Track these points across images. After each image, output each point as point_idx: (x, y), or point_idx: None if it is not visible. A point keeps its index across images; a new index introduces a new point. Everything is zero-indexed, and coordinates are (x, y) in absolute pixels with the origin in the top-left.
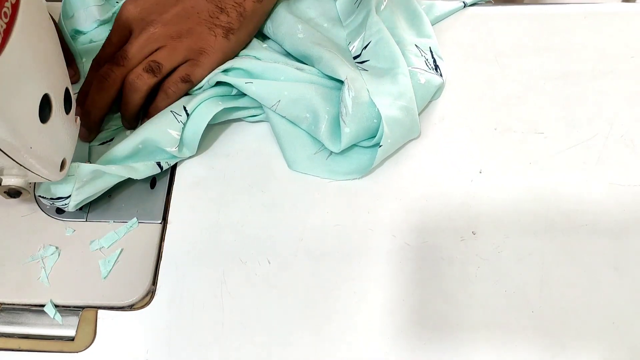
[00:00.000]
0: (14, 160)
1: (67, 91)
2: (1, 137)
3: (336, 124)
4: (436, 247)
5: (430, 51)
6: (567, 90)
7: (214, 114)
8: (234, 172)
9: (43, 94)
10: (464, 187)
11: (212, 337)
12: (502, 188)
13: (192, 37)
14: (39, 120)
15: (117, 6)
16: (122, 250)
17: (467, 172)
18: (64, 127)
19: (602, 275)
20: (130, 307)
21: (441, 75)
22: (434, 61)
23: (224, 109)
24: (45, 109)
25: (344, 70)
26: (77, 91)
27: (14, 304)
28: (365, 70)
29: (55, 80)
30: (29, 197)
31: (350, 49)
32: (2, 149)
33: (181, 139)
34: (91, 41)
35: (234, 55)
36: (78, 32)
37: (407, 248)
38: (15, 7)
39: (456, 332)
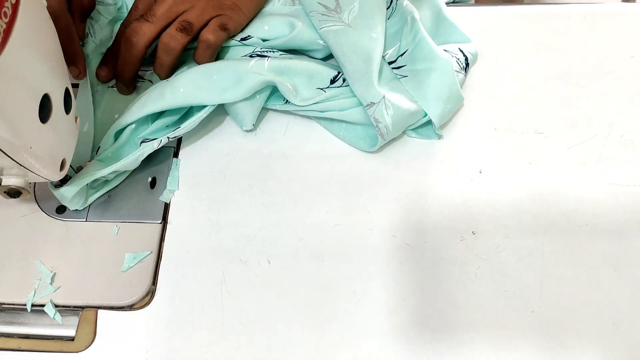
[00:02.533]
0: (14, 160)
1: (67, 91)
2: (1, 137)
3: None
4: (436, 247)
5: (461, 51)
6: (567, 90)
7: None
8: (234, 172)
9: (43, 94)
10: (464, 187)
11: (212, 337)
12: (502, 188)
13: None
14: (39, 120)
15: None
16: (151, 252)
17: (467, 172)
18: (64, 127)
19: (602, 275)
20: (130, 307)
21: (466, 70)
22: (466, 59)
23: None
24: (45, 109)
25: (375, 93)
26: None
27: (14, 304)
28: (404, 76)
29: (55, 80)
30: (29, 197)
31: (384, 55)
32: (2, 149)
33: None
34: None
35: (255, 13)
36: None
37: (407, 248)
38: (15, 7)
39: (456, 332)
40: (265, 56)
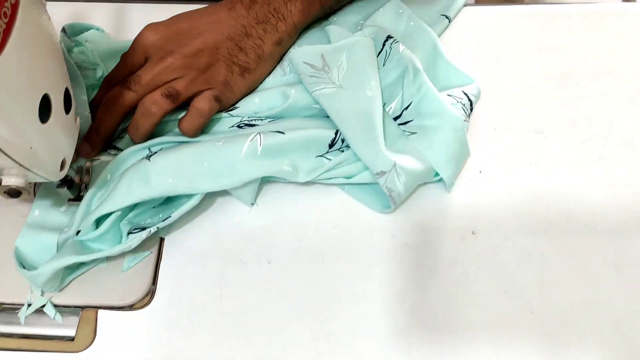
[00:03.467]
0: (14, 160)
1: (67, 91)
2: (1, 137)
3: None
4: (436, 247)
5: (465, 94)
6: (567, 90)
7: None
8: None
9: (43, 94)
10: (464, 187)
11: (212, 337)
12: (502, 188)
13: (211, 72)
14: (39, 120)
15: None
16: (151, 252)
17: (467, 172)
18: (64, 127)
19: (602, 275)
20: (130, 307)
21: (469, 116)
22: (471, 103)
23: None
24: (45, 109)
25: (385, 161)
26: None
27: (14, 304)
28: (412, 132)
29: (55, 80)
30: (29, 197)
31: (387, 110)
32: (2, 149)
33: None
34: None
35: (247, 93)
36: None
37: (407, 248)
38: (15, 7)
39: (456, 332)
40: (254, 125)
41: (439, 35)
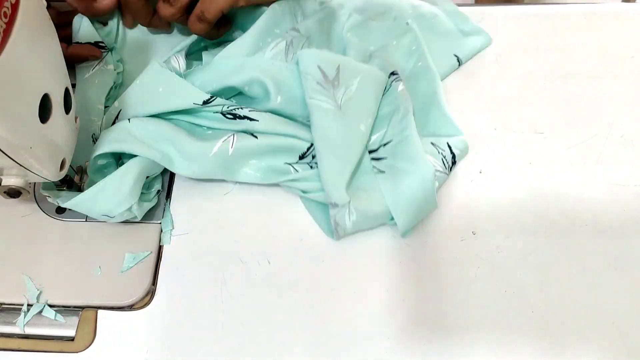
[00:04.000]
0: (14, 160)
1: (67, 91)
2: (1, 137)
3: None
4: (436, 247)
5: (449, 147)
6: (567, 90)
7: None
8: None
9: (43, 94)
10: (464, 187)
11: (212, 337)
12: (502, 188)
13: None
14: (39, 120)
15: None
16: (151, 252)
17: (467, 172)
18: (64, 127)
19: (602, 275)
20: (130, 307)
21: (451, 169)
22: (453, 157)
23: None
24: (45, 109)
25: (341, 196)
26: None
27: (13, 304)
28: (382, 171)
29: (55, 80)
30: (29, 197)
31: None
32: (2, 149)
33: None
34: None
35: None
36: None
37: (407, 248)
38: (15, 7)
39: (456, 332)
40: (236, 115)
41: (446, 76)
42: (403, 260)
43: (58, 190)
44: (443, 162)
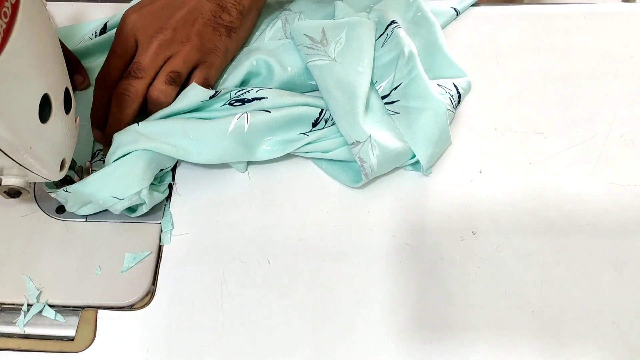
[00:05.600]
0: (14, 160)
1: (67, 91)
2: (1, 137)
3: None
4: (436, 247)
5: (455, 86)
6: (567, 90)
7: None
8: (234, 173)
9: (43, 94)
10: (464, 187)
11: (212, 337)
12: (502, 188)
13: (201, 39)
14: (39, 120)
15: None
16: (151, 252)
17: (467, 172)
18: (64, 127)
19: (602, 275)
20: (130, 307)
21: (456, 108)
22: (459, 96)
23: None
24: (45, 109)
25: (360, 131)
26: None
27: (13, 304)
28: (396, 112)
29: (55, 80)
30: (29, 197)
31: (377, 88)
32: (2, 149)
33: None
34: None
35: (234, 53)
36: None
37: (407, 248)
38: (15, 7)
39: (456, 332)
40: (244, 100)
41: (444, 26)
42: (403, 260)
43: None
44: (450, 100)
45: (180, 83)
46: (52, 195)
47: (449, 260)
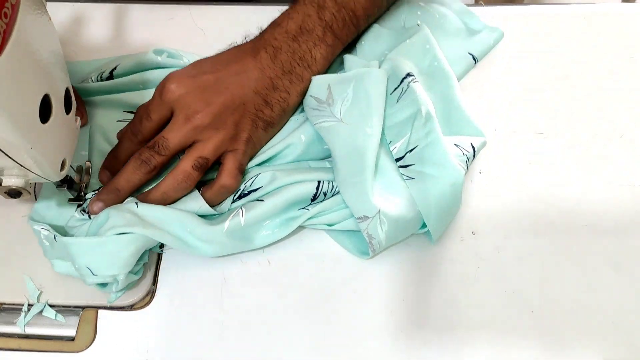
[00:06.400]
0: (14, 160)
1: (67, 91)
2: (1, 137)
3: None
4: (436, 247)
5: (472, 147)
6: (567, 90)
7: None
8: None
9: (43, 94)
10: (464, 187)
11: (212, 337)
12: (502, 188)
13: (237, 129)
14: (39, 121)
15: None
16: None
17: (467, 173)
18: (64, 127)
19: (602, 275)
20: (130, 307)
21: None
22: (474, 156)
23: None
24: (45, 109)
25: (369, 206)
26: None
27: (14, 304)
28: (410, 178)
29: (55, 81)
30: (29, 197)
31: (391, 149)
32: (2, 149)
33: None
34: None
35: (263, 145)
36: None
37: (407, 248)
38: (15, 7)
39: (456, 332)
40: (240, 196)
41: (463, 75)
42: (403, 260)
43: (58, 190)
44: (467, 163)
45: (206, 169)
46: (35, 230)
47: (449, 260)
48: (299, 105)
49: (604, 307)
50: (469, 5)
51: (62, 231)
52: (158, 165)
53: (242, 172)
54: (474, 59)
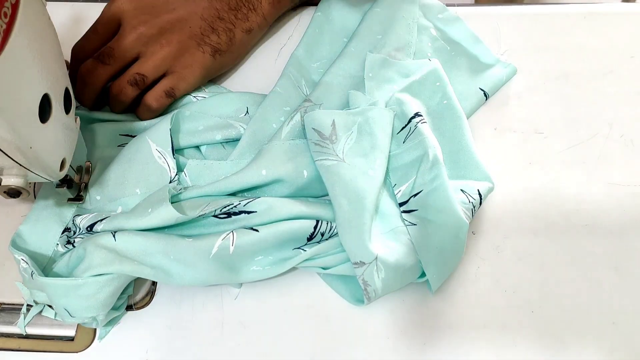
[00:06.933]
0: (13, 160)
1: (67, 91)
2: (1, 137)
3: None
4: None
5: (479, 194)
6: (567, 90)
7: None
8: None
9: (43, 94)
10: None
11: (212, 337)
12: (502, 188)
13: (180, 49)
14: (38, 120)
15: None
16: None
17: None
18: (64, 127)
19: (602, 275)
20: (130, 307)
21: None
22: (480, 204)
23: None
24: (45, 109)
25: (366, 252)
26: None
27: (13, 304)
28: (412, 224)
29: (55, 80)
30: (29, 197)
31: (395, 193)
32: (2, 148)
33: None
34: None
35: (215, 75)
36: None
37: None
38: (15, 7)
39: (456, 332)
40: (231, 214)
41: (473, 111)
42: None
43: (58, 189)
44: (472, 212)
45: (144, 87)
46: (16, 258)
47: None
48: (247, 47)
49: (604, 307)
50: (468, 5)
51: (43, 259)
52: (102, 77)
53: (172, 96)
54: (485, 95)
